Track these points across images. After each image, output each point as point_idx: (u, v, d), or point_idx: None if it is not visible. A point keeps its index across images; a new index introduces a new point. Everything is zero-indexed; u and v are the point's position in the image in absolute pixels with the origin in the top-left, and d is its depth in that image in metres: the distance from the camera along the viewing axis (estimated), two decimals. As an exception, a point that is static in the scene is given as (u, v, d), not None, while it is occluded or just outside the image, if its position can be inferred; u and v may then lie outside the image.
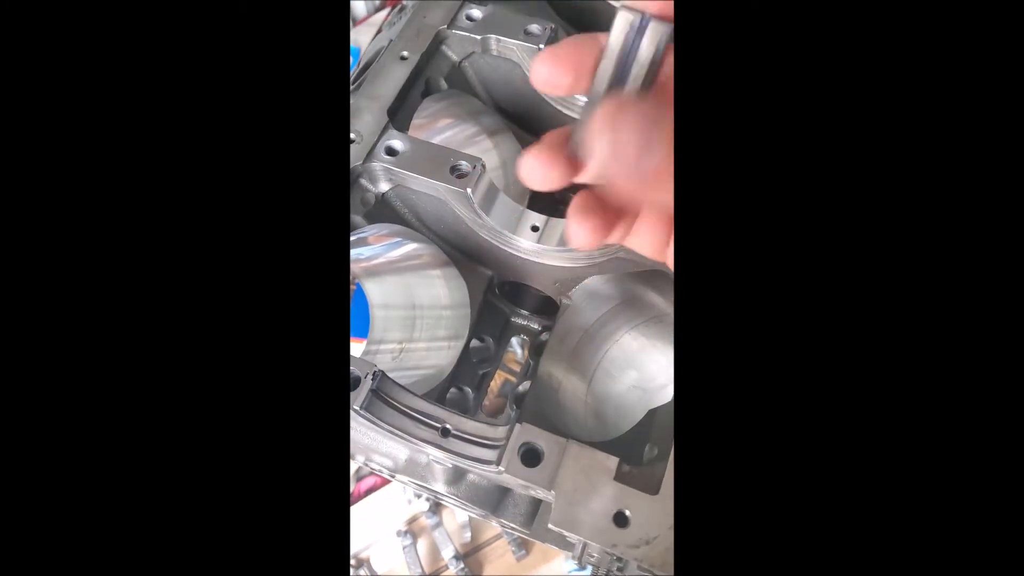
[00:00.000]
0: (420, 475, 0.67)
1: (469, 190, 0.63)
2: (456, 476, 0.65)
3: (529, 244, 0.66)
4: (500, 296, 0.81)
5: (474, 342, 0.80)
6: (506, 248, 0.69)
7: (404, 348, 0.79)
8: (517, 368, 0.84)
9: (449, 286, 0.73)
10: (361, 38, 1.66)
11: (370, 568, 1.81)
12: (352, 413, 0.55)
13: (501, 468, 0.52)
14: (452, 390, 0.78)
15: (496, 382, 0.85)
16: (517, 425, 0.53)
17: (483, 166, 0.64)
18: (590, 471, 0.51)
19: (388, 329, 0.82)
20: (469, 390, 0.78)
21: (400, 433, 0.57)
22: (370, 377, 0.55)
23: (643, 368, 0.80)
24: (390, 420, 0.57)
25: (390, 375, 0.79)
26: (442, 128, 0.82)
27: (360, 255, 0.78)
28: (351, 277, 0.80)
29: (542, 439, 0.52)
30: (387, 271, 0.80)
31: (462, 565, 1.03)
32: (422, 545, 1.17)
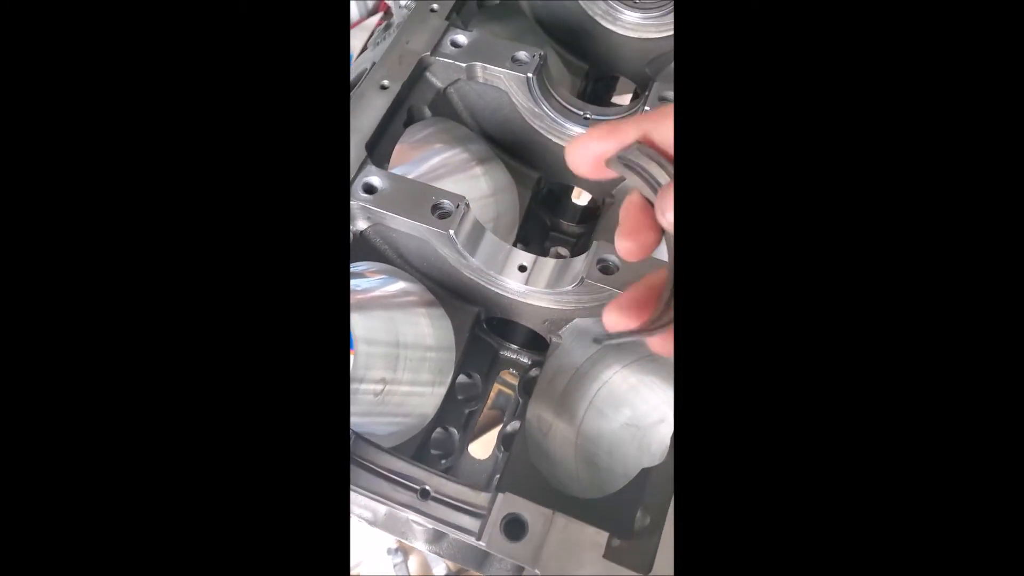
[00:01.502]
0: (400, 531, 0.63)
1: (452, 231, 0.59)
2: (438, 535, 0.61)
3: (516, 285, 0.63)
4: (488, 330, 0.78)
5: (461, 378, 0.76)
6: (492, 288, 0.65)
7: (386, 388, 0.76)
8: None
9: (434, 326, 0.69)
10: (354, 43, 1.62)
11: (365, 583, 1.75)
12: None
13: (482, 543, 0.48)
14: (437, 430, 0.74)
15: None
16: (500, 495, 0.50)
17: (467, 205, 0.60)
18: (577, 547, 0.47)
19: (370, 367, 0.78)
20: (455, 431, 0.75)
21: (377, 498, 0.53)
22: (343, 441, 0.51)
23: (636, 406, 0.77)
24: (365, 484, 0.53)
25: (371, 419, 0.76)
26: (432, 153, 0.79)
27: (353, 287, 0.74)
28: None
29: (527, 511, 0.49)
30: (371, 306, 0.76)
31: (453, 582, 1.00)
32: (413, 563, 1.14)
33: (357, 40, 1.73)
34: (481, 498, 0.52)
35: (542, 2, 0.83)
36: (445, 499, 0.54)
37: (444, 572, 1.34)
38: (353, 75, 0.84)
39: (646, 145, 0.37)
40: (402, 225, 0.61)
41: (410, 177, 0.80)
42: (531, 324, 0.71)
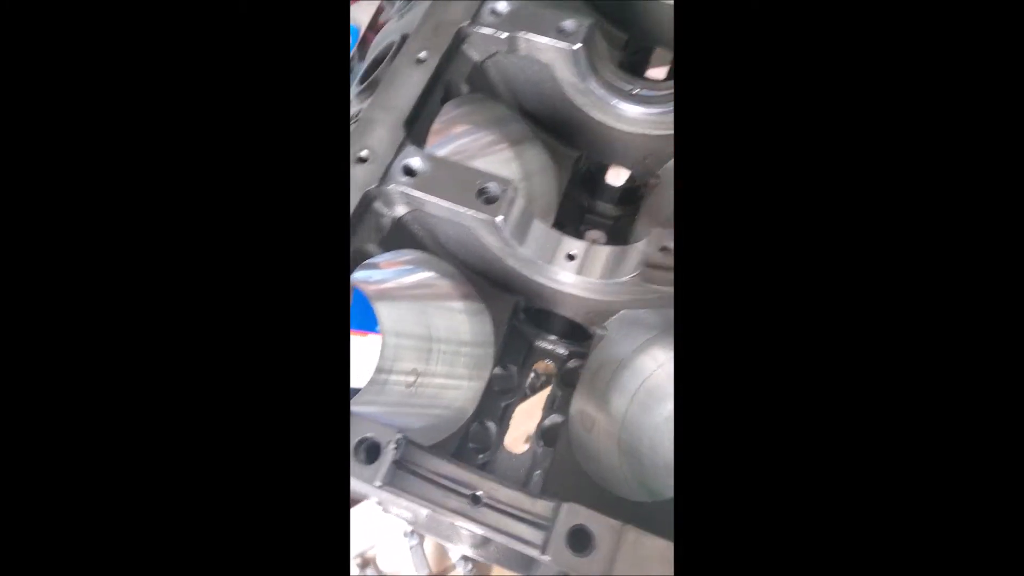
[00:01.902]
0: (444, 534, 0.60)
1: (500, 219, 0.55)
2: (484, 539, 0.58)
3: (567, 276, 0.59)
4: (525, 320, 0.74)
5: (496, 370, 0.73)
6: (537, 278, 0.61)
7: (419, 381, 0.72)
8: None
9: (471, 321, 0.65)
10: (360, 16, 1.55)
11: (376, 568, 1.76)
12: (368, 488, 0.48)
13: (547, 557, 0.45)
14: (474, 425, 0.71)
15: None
16: (564, 506, 0.46)
17: (515, 189, 0.56)
18: (649, 561, 0.44)
19: (399, 358, 0.74)
20: (492, 424, 0.71)
21: (427, 504, 0.50)
22: (392, 446, 0.48)
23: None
24: (414, 490, 0.50)
25: (405, 409, 0.72)
26: (455, 136, 0.74)
27: (372, 277, 0.70)
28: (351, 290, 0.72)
29: (594, 522, 0.46)
30: (401, 296, 0.72)
31: (471, 566, 0.97)
32: (429, 545, 1.11)
33: (364, 14, 1.66)
34: (538, 506, 0.49)
35: (581, -32, 0.77)
36: (498, 505, 0.50)
37: (460, 553, 1.33)
38: (377, 50, 0.79)
39: None
40: (444, 211, 0.56)
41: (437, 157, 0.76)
42: (573, 315, 0.67)
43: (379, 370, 0.76)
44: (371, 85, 0.74)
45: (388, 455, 0.47)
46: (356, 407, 0.71)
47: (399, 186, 0.56)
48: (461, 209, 0.55)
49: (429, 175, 0.56)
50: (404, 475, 0.49)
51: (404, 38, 0.75)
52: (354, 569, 1.83)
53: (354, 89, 0.77)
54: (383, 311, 0.75)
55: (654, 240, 0.54)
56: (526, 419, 0.81)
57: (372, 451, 0.48)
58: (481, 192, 0.56)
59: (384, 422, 0.68)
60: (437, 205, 0.56)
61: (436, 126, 0.67)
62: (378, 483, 0.47)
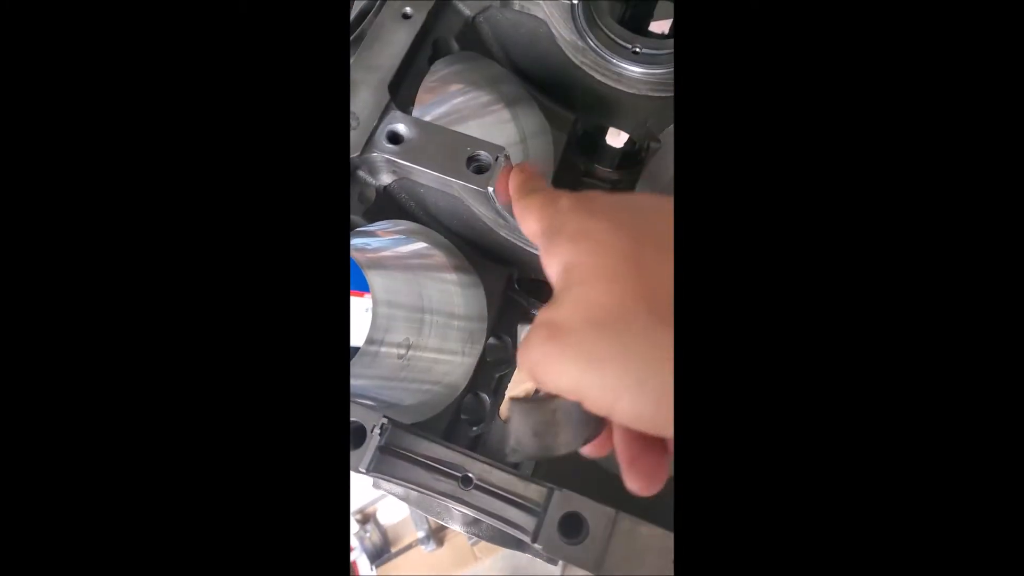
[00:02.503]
0: (435, 512, 0.59)
1: (490, 188, 0.52)
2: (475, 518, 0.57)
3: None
4: (519, 290, 0.71)
5: (491, 340, 0.71)
6: (531, 250, 0.58)
7: (411, 353, 0.70)
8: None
9: (464, 294, 0.63)
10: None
11: (376, 522, 1.78)
12: (353, 473, 0.46)
13: (538, 546, 0.44)
14: (468, 396, 0.69)
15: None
16: (556, 492, 0.45)
17: (506, 156, 0.52)
18: (645, 551, 0.43)
19: (390, 329, 0.72)
20: (486, 396, 0.70)
21: (415, 487, 0.49)
22: (377, 431, 0.46)
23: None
24: (402, 474, 0.48)
25: (397, 383, 0.71)
26: (452, 94, 0.70)
27: (365, 245, 0.67)
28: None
29: (587, 508, 0.44)
30: (394, 265, 0.70)
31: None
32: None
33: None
34: (531, 490, 0.47)
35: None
36: (490, 487, 0.49)
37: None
38: (361, 6, 0.74)
39: None
40: (432, 181, 0.53)
41: (429, 120, 0.72)
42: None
43: (370, 340, 0.74)
44: (356, 40, 0.70)
45: (373, 440, 0.46)
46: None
47: (384, 153, 0.53)
48: (450, 179, 0.52)
49: (416, 142, 0.53)
50: (391, 459, 0.48)
51: (391, -10, 0.70)
52: (354, 525, 1.85)
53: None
54: (376, 280, 0.73)
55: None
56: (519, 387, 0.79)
57: (357, 435, 0.47)
58: (471, 160, 0.52)
59: (373, 396, 0.67)
60: (425, 174, 0.52)
61: (429, 84, 0.63)
62: (363, 469, 0.45)
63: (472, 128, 0.72)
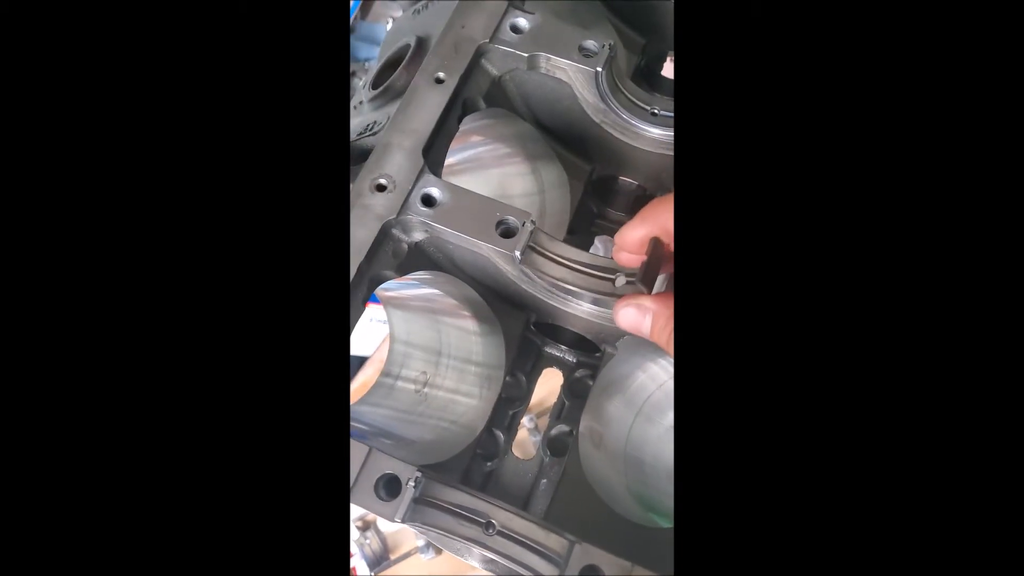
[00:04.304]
0: (455, 549, 0.62)
1: (517, 252, 0.55)
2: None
3: (587, 307, 0.59)
4: (535, 332, 0.75)
5: (507, 378, 0.74)
6: (552, 303, 0.62)
7: (427, 390, 0.73)
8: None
9: (484, 343, 0.66)
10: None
11: (376, 529, 1.81)
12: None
13: (560, 597, 0.47)
14: (482, 432, 0.73)
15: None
16: (577, 546, 0.48)
17: (532, 222, 0.56)
18: (657, 604, 0.46)
19: (407, 365, 0.75)
20: (499, 433, 0.73)
21: (442, 533, 0.52)
22: (412, 484, 0.49)
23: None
24: (431, 521, 0.52)
25: (415, 417, 0.74)
26: (472, 144, 0.73)
27: (388, 285, 0.70)
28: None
29: (605, 562, 0.48)
30: (415, 307, 0.73)
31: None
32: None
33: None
34: (552, 540, 0.51)
35: (602, -29, 0.75)
36: (512, 534, 0.52)
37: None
38: (392, 50, 0.77)
39: (660, 244, 0.48)
40: (463, 242, 0.56)
41: (448, 163, 0.75)
42: (584, 333, 0.68)
43: (386, 374, 0.77)
44: (386, 92, 0.73)
45: (408, 492, 0.49)
46: (364, 407, 0.73)
47: (418, 216, 0.56)
48: (480, 242, 0.55)
49: (448, 206, 0.56)
50: (422, 508, 0.51)
51: (420, 42, 0.73)
52: (354, 532, 1.88)
53: (366, 93, 0.76)
54: (395, 318, 0.76)
55: (667, 279, 0.55)
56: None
57: (393, 486, 0.50)
58: (500, 224, 0.56)
59: (392, 433, 0.70)
60: (457, 237, 0.56)
61: (459, 134, 0.66)
62: (398, 519, 0.49)
63: (493, 176, 0.75)
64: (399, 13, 1.73)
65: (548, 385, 0.77)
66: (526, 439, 1.07)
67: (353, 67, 1.62)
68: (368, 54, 1.70)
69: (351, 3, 1.65)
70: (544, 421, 0.86)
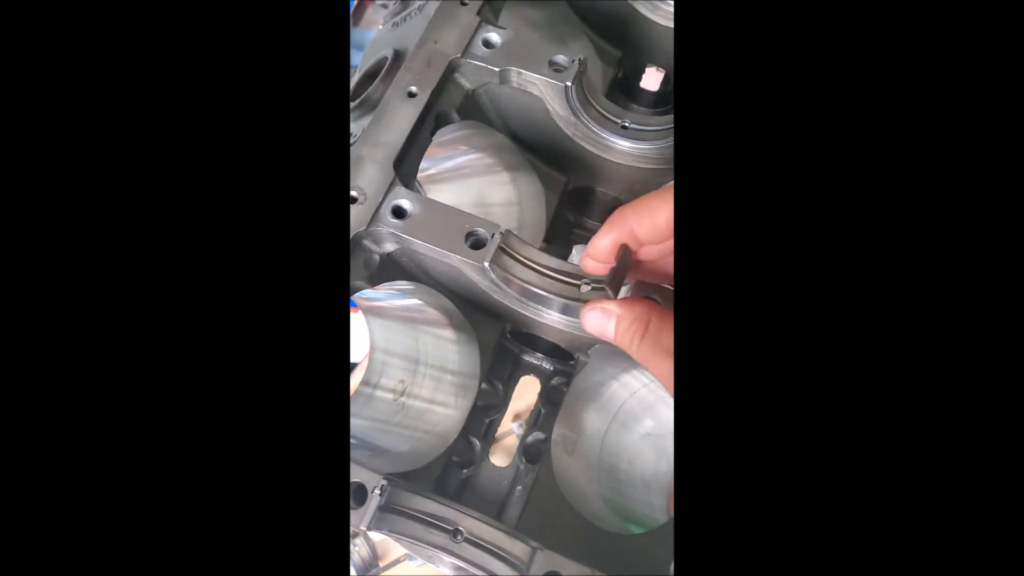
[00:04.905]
0: (426, 555, 0.63)
1: (486, 263, 0.56)
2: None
3: (556, 317, 0.60)
4: (511, 339, 0.76)
5: (483, 385, 0.75)
6: (524, 313, 0.63)
7: (404, 399, 0.74)
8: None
9: (460, 352, 0.67)
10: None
11: (365, 536, 1.81)
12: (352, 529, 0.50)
13: (520, 603, 0.48)
14: (459, 440, 0.74)
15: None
16: (539, 552, 0.49)
17: (502, 233, 0.57)
18: (618, 610, 0.47)
19: (386, 374, 0.76)
20: (476, 440, 0.74)
21: (410, 540, 0.53)
22: (378, 492, 0.50)
23: (658, 415, 0.76)
24: (399, 528, 0.52)
25: (391, 428, 0.75)
26: (457, 153, 0.74)
27: (367, 295, 0.71)
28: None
29: (567, 569, 0.48)
30: (393, 316, 0.74)
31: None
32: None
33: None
34: (517, 547, 0.52)
35: (577, -15, 0.76)
36: (478, 541, 0.53)
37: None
38: (371, 62, 0.78)
39: (629, 250, 0.49)
40: (433, 253, 0.57)
41: (430, 173, 0.76)
42: (558, 342, 0.69)
43: (365, 383, 0.78)
44: (362, 104, 0.74)
45: (373, 501, 0.50)
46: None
47: (388, 228, 0.57)
48: (449, 254, 0.56)
49: (418, 217, 0.57)
50: (389, 516, 0.52)
51: (397, 55, 0.75)
52: (343, 539, 1.87)
53: (346, 104, 0.77)
54: (374, 327, 0.77)
55: (634, 288, 0.56)
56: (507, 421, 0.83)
57: (359, 495, 0.51)
58: (469, 236, 0.57)
59: (368, 441, 0.71)
60: (427, 248, 0.57)
61: (439, 142, 0.67)
62: (364, 527, 0.49)
63: (475, 185, 0.76)
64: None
65: (535, 391, 0.78)
66: (513, 445, 1.08)
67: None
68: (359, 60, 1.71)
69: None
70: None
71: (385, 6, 1.76)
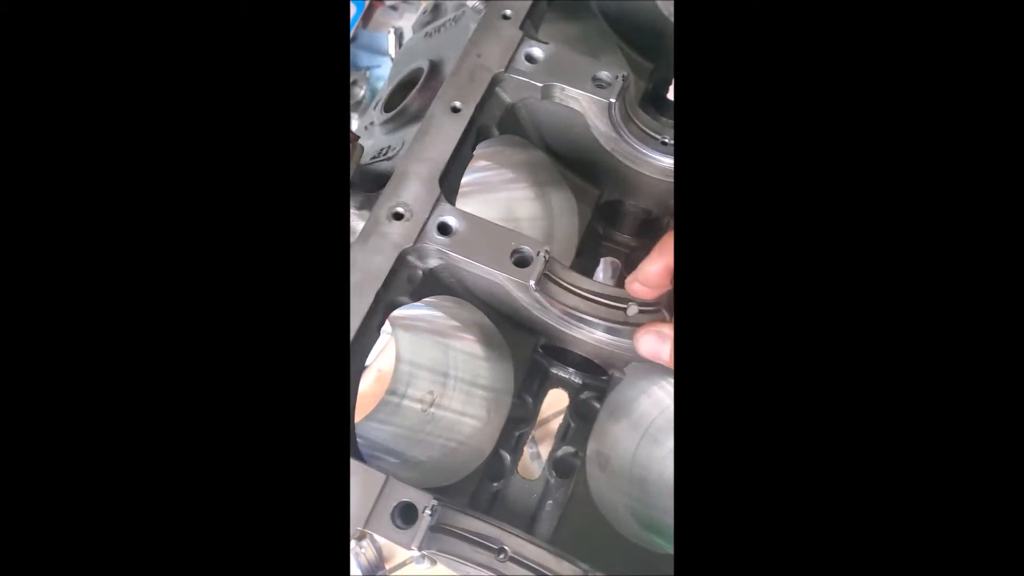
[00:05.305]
0: (464, 572, 0.63)
1: (532, 282, 0.56)
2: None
3: (599, 335, 0.60)
4: (544, 354, 0.76)
5: (513, 399, 0.75)
6: (564, 330, 0.63)
7: (434, 410, 0.74)
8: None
9: (491, 368, 0.67)
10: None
11: (372, 538, 1.81)
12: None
13: (571, 627, 0.48)
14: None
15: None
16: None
17: (547, 251, 0.57)
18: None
19: (413, 384, 0.76)
20: (506, 453, 0.74)
21: (456, 559, 0.53)
22: (428, 512, 0.50)
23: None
24: (445, 548, 0.52)
25: (423, 436, 0.74)
26: (479, 168, 0.74)
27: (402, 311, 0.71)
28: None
29: (617, 593, 0.48)
30: (424, 329, 0.74)
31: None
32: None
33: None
34: (564, 567, 0.52)
35: (612, 0, 0.76)
36: (523, 560, 0.53)
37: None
38: (405, 73, 0.78)
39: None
40: (478, 270, 0.57)
41: (462, 185, 0.76)
42: (593, 358, 0.69)
43: (391, 392, 0.77)
44: (399, 116, 0.74)
45: (424, 521, 0.50)
46: (370, 424, 0.73)
47: (434, 244, 0.56)
48: (495, 271, 0.56)
49: (464, 235, 0.57)
50: (437, 535, 0.52)
51: (433, 66, 0.74)
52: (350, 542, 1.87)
53: (378, 115, 0.77)
54: (402, 339, 0.76)
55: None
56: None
57: (408, 515, 0.51)
58: (515, 253, 0.57)
59: (398, 452, 0.70)
60: (472, 266, 0.56)
61: (474, 157, 0.67)
62: (415, 547, 0.49)
63: (501, 200, 0.76)
64: (400, 22, 1.72)
65: (546, 401, 0.78)
66: (524, 457, 1.08)
67: (354, 76, 1.62)
68: (369, 62, 1.70)
69: (355, 10, 1.66)
70: (541, 436, 0.87)
71: (395, 8, 1.74)
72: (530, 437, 0.77)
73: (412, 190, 0.58)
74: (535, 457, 0.93)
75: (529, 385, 0.76)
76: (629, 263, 0.83)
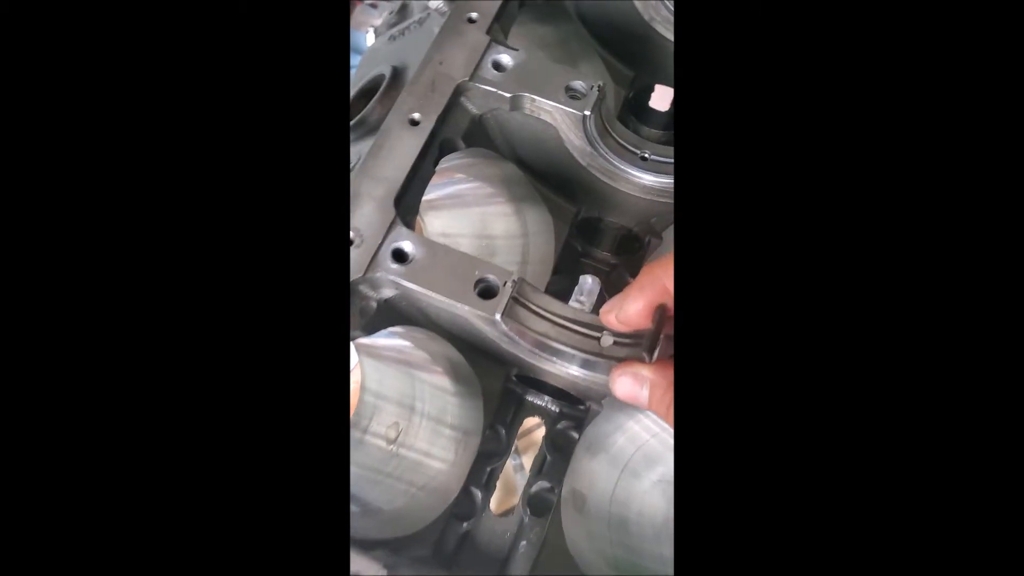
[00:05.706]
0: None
1: (498, 316, 0.50)
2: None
3: (576, 371, 0.55)
4: (516, 382, 0.70)
5: (486, 431, 0.69)
6: (535, 362, 0.57)
7: (398, 449, 0.68)
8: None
9: (461, 405, 0.61)
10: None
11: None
12: None
13: None
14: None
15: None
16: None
17: (514, 281, 0.51)
18: None
19: (377, 419, 0.70)
20: (477, 491, 0.69)
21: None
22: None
23: (670, 463, 0.72)
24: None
25: (383, 478, 0.69)
26: (455, 181, 0.69)
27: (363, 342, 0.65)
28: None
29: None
30: (390, 359, 0.68)
31: None
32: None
33: None
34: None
35: (590, 1, 0.71)
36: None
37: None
38: (367, 79, 0.72)
39: (665, 310, 0.45)
40: (439, 302, 0.52)
41: (430, 199, 0.70)
42: (568, 388, 0.64)
43: (354, 425, 0.72)
44: (358, 126, 0.68)
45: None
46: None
47: (388, 274, 0.51)
48: (457, 304, 0.50)
49: (422, 262, 0.51)
50: None
51: (396, 73, 0.68)
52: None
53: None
54: (368, 368, 0.71)
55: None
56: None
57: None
58: (479, 282, 0.51)
59: (358, 496, 0.65)
60: (432, 298, 0.51)
61: (440, 171, 0.62)
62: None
63: (474, 215, 0.70)
64: (379, 21, 1.67)
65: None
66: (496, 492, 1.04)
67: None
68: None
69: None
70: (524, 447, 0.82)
71: (374, 6, 1.69)
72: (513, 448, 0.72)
73: (364, 213, 0.52)
74: (518, 469, 0.89)
75: (503, 416, 0.71)
76: (609, 282, 0.78)
